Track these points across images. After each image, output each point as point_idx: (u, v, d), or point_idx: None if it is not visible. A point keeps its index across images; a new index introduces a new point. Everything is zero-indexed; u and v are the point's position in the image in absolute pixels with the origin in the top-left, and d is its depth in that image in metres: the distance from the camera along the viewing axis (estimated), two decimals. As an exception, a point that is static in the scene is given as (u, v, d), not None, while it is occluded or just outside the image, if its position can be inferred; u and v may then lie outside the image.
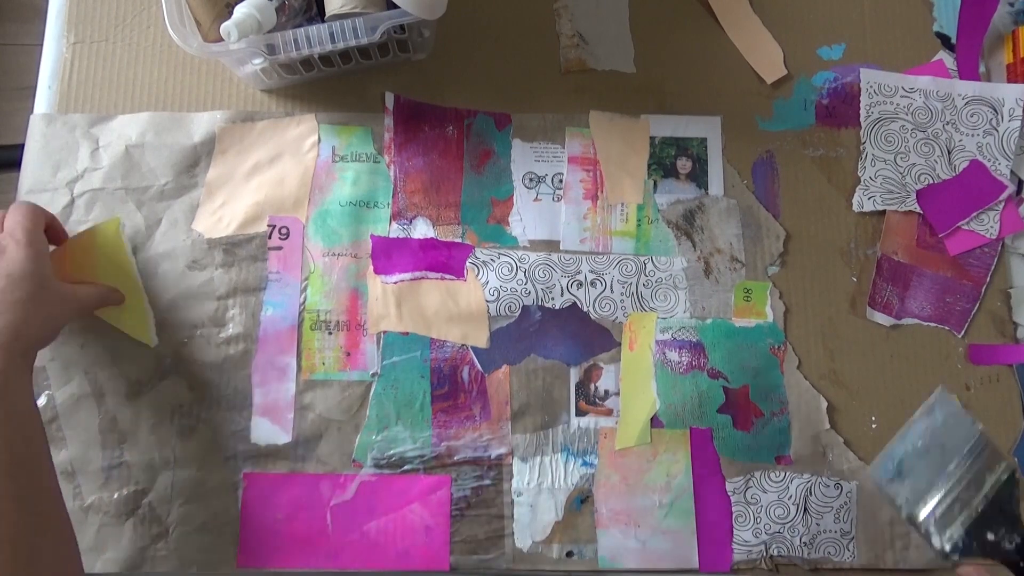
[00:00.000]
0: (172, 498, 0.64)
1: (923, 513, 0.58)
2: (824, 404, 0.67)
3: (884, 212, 0.71)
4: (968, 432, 0.59)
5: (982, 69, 0.75)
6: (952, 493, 0.58)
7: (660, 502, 0.65)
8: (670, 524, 0.65)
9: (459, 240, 0.70)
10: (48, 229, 0.61)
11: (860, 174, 0.72)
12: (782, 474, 0.66)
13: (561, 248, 0.70)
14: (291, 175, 0.70)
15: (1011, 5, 0.76)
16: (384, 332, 0.67)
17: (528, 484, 0.65)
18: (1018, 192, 0.72)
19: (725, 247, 0.70)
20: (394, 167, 0.71)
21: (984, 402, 0.68)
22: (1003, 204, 0.71)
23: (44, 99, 0.71)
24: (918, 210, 0.71)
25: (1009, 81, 0.74)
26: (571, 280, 0.69)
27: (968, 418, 0.60)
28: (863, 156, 0.72)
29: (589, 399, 0.67)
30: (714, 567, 0.64)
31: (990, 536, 0.57)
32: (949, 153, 0.72)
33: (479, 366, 0.67)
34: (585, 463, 0.66)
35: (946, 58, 0.75)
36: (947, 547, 0.57)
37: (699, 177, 0.72)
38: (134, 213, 0.68)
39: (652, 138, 0.72)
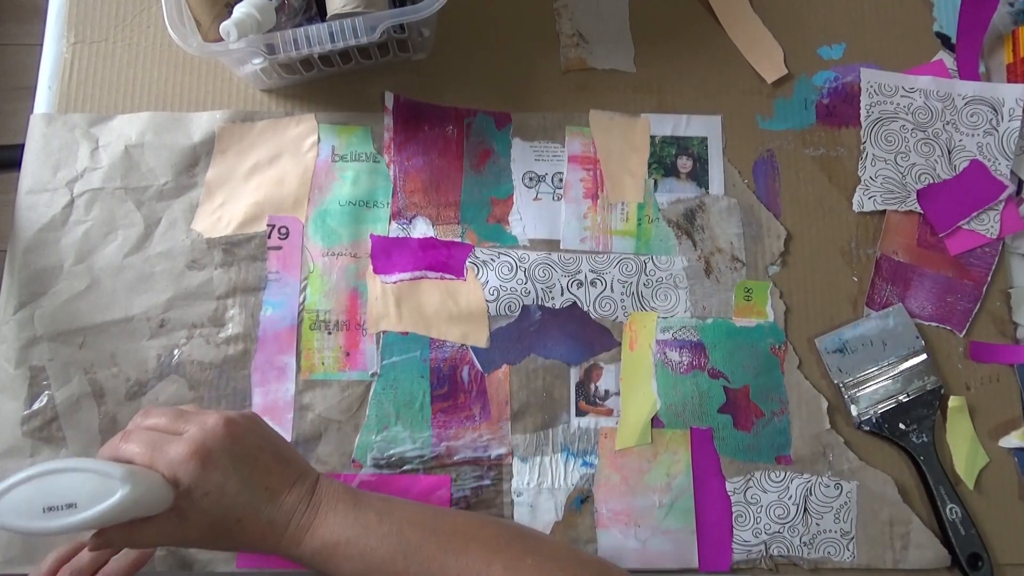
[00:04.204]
0: (172, 498, 0.64)
1: (851, 385, 0.67)
2: (824, 404, 0.67)
3: (884, 212, 0.71)
4: (912, 343, 0.68)
5: (982, 69, 0.75)
6: (881, 380, 0.67)
7: (660, 502, 0.65)
8: (670, 524, 0.64)
9: (459, 239, 0.69)
10: None
11: (860, 174, 0.72)
12: (782, 474, 0.66)
13: (561, 247, 0.70)
14: (291, 175, 0.70)
15: (1011, 5, 0.76)
16: (384, 332, 0.67)
17: (528, 484, 0.65)
18: (1018, 192, 0.72)
19: (726, 246, 0.70)
20: (394, 167, 0.71)
21: (984, 402, 0.68)
22: (1003, 204, 0.71)
23: (44, 99, 0.71)
24: (918, 210, 0.71)
25: (1009, 81, 0.74)
26: (571, 279, 0.69)
27: (915, 333, 0.68)
28: (863, 156, 0.72)
29: (589, 399, 0.67)
30: (714, 567, 0.64)
31: (902, 425, 0.66)
32: (949, 153, 0.72)
33: (479, 366, 0.67)
34: (585, 463, 0.66)
35: (946, 58, 0.75)
36: (861, 419, 0.67)
37: (700, 176, 0.71)
38: (133, 213, 0.68)
39: (652, 137, 0.72)
